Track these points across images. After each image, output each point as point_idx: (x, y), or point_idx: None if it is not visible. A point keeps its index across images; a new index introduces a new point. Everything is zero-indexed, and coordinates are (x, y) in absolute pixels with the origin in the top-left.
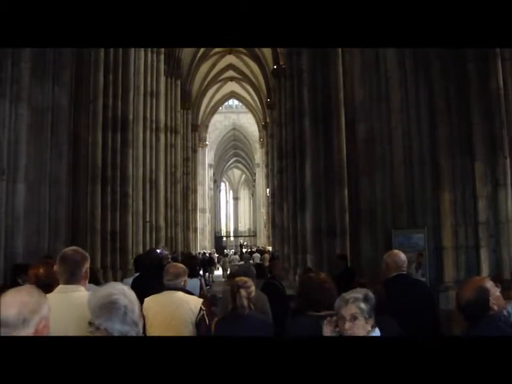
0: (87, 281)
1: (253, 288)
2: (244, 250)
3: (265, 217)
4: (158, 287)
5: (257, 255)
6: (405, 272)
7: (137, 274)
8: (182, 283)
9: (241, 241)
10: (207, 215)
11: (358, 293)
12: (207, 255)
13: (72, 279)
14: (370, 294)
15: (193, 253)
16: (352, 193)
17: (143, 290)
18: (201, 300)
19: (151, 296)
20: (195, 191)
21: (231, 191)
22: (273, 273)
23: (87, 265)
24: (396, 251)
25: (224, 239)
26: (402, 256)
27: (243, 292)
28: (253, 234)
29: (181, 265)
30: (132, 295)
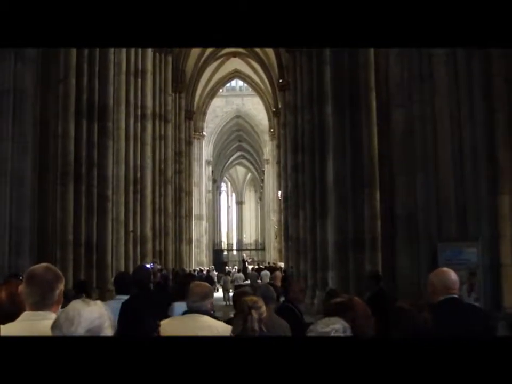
0: (59, 306)
1: (264, 309)
2: (250, 267)
3: (276, 227)
4: (159, 311)
5: (266, 273)
6: (456, 296)
7: (122, 296)
8: (209, 305)
9: (244, 255)
10: (204, 223)
11: (336, 323)
12: (204, 272)
13: (41, 303)
14: (347, 325)
15: (187, 270)
16: (385, 197)
17: (139, 316)
18: (229, 327)
19: (169, 319)
20: (190, 194)
21: (233, 194)
22: (289, 295)
23: (61, 286)
24: (445, 269)
25: (225, 253)
26: (453, 275)
27: (254, 314)
28: (260, 247)
29: (207, 284)
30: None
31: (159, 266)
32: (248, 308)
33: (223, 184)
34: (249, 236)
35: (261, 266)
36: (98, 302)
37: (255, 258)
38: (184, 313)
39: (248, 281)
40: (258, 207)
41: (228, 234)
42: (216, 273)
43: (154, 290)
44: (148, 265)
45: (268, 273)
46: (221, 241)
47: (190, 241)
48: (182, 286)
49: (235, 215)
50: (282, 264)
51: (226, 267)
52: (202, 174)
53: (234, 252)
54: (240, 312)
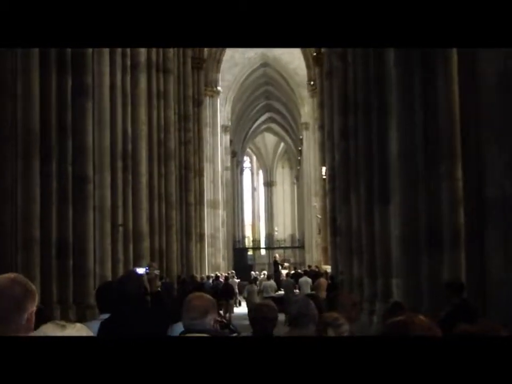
0: (30, 332)
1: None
2: (284, 272)
3: (319, 216)
4: (152, 335)
5: (306, 280)
6: None
7: (105, 315)
8: (211, 322)
9: (277, 256)
10: (221, 213)
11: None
12: (221, 280)
13: (4, 329)
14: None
15: (198, 278)
16: (471, 175)
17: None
18: None
19: None
20: (200, 173)
21: (260, 172)
22: (337, 312)
23: (32, 307)
24: None
25: (250, 253)
26: None
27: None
28: (298, 245)
29: (208, 296)
30: None
31: (156, 272)
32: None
33: (246, 159)
34: (283, 230)
35: (299, 270)
36: (78, 325)
37: (291, 260)
38: (181, 334)
39: (282, 292)
40: (295, 190)
41: (253, 228)
42: (237, 280)
43: (149, 306)
44: (141, 270)
45: (309, 280)
46: (243, 237)
47: (201, 238)
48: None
49: (263, 201)
50: (328, 268)
51: (252, 272)
52: (217, 145)
53: (263, 252)
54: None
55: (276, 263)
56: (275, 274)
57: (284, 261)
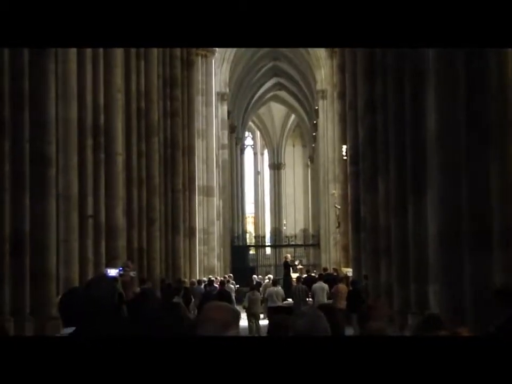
0: None
1: None
2: (294, 276)
3: (338, 207)
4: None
5: (321, 286)
6: None
7: (69, 329)
8: None
9: (288, 256)
10: (217, 202)
11: None
12: (216, 286)
13: None
14: None
15: (186, 282)
16: None
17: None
18: None
19: None
20: (190, 152)
21: (266, 151)
22: (371, 325)
23: None
24: None
25: (252, 252)
26: None
27: None
28: (312, 242)
29: (230, 307)
30: None
31: (133, 273)
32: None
33: (248, 135)
34: (293, 224)
35: (313, 274)
36: None
37: (303, 261)
38: None
39: (291, 300)
40: (309, 174)
41: (256, 221)
42: (236, 287)
43: (124, 316)
44: (114, 273)
45: (325, 286)
46: (244, 233)
47: (191, 233)
48: (168, 308)
49: (268, 187)
50: (349, 272)
51: (254, 276)
52: (211, 117)
53: (268, 251)
54: None
55: (286, 265)
56: (285, 279)
57: (296, 261)
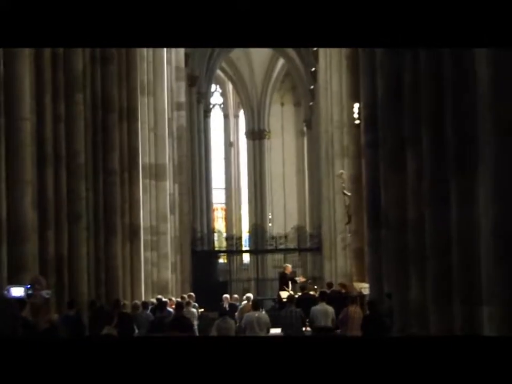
0: None
1: None
2: (283, 294)
3: (348, 193)
4: None
5: (324, 309)
6: None
7: None
8: None
9: (288, 267)
10: (170, 188)
11: None
12: (170, 310)
13: None
14: None
15: (126, 304)
16: None
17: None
18: None
19: None
20: (131, 115)
21: (241, 113)
22: None
23: None
24: None
25: (222, 260)
26: None
27: None
28: (311, 245)
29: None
30: None
31: (46, 293)
32: None
33: (216, 89)
34: (283, 218)
35: (312, 292)
36: None
37: (297, 273)
38: None
39: (279, 331)
40: (304, 146)
41: (228, 215)
42: (198, 311)
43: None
44: (17, 292)
45: (329, 309)
46: (211, 232)
47: (133, 234)
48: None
49: (246, 165)
50: (364, 288)
51: (226, 296)
52: (161, 64)
53: (246, 258)
54: None
55: (283, 278)
56: (279, 299)
57: (295, 275)
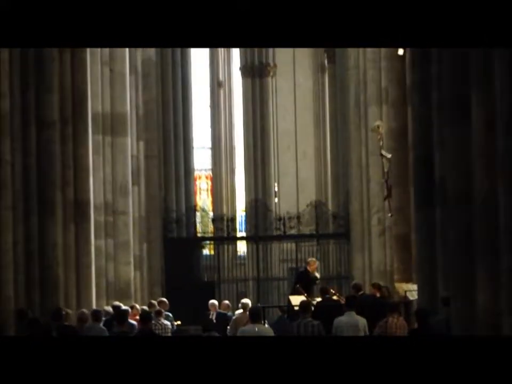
0: None
1: None
2: (293, 300)
3: (386, 155)
4: None
5: (352, 320)
6: None
7: None
8: None
9: (313, 261)
10: (134, 146)
11: None
12: (133, 322)
13: None
14: None
15: (69, 313)
16: None
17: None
18: None
19: None
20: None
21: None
22: None
23: None
24: None
25: (207, 250)
26: None
27: None
28: (335, 230)
29: None
30: None
31: None
32: None
33: None
34: (294, 192)
35: (335, 297)
36: None
37: (318, 266)
38: None
39: None
40: (325, 87)
41: (216, 186)
42: (173, 324)
43: None
44: None
45: (360, 321)
46: (191, 211)
47: (80, 213)
48: None
49: (242, 114)
50: (411, 290)
51: (213, 302)
52: None
53: (241, 248)
54: None
55: (304, 279)
56: (288, 308)
57: (312, 268)
